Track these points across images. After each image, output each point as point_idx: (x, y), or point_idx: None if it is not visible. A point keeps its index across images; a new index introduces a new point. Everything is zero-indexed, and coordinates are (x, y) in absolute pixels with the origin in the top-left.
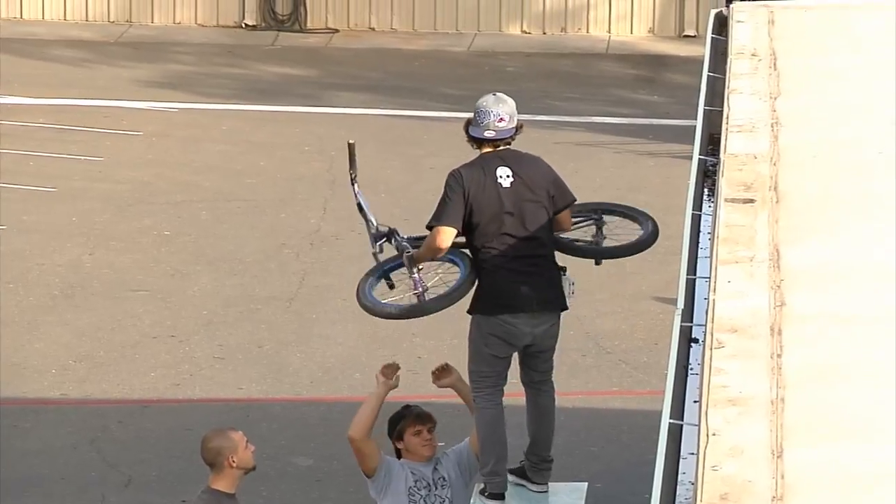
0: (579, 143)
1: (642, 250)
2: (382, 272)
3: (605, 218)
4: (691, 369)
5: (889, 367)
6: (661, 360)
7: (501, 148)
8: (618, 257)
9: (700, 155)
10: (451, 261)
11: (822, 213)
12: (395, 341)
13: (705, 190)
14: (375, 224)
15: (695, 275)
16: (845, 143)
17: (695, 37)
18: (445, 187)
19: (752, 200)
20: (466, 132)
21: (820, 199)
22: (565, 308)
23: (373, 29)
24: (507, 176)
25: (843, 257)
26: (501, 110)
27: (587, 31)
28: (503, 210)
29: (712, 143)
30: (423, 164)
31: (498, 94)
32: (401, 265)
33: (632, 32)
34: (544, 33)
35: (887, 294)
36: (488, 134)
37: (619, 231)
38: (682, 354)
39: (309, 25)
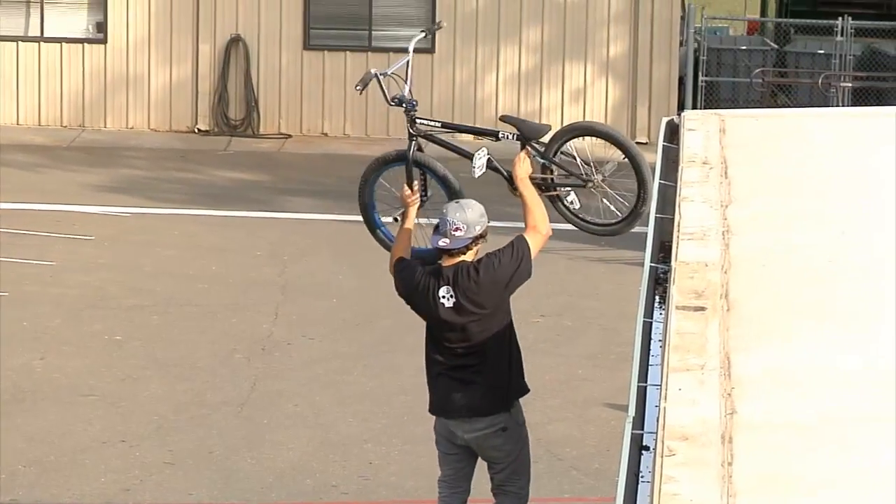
0: None
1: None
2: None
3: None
4: (642, 477)
5: (839, 476)
6: (613, 466)
7: (453, 262)
8: (622, 232)
9: (651, 262)
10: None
11: (774, 321)
12: (347, 447)
13: (656, 297)
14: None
15: (646, 382)
16: (796, 251)
17: (646, 143)
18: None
19: (703, 308)
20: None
21: (771, 308)
22: (502, 411)
23: (325, 134)
24: (451, 297)
25: (794, 366)
26: (458, 218)
27: None
28: (447, 327)
29: (663, 251)
30: (375, 269)
31: (463, 200)
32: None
33: (584, 139)
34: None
35: (838, 403)
36: (441, 243)
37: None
38: (633, 462)
39: (262, 130)
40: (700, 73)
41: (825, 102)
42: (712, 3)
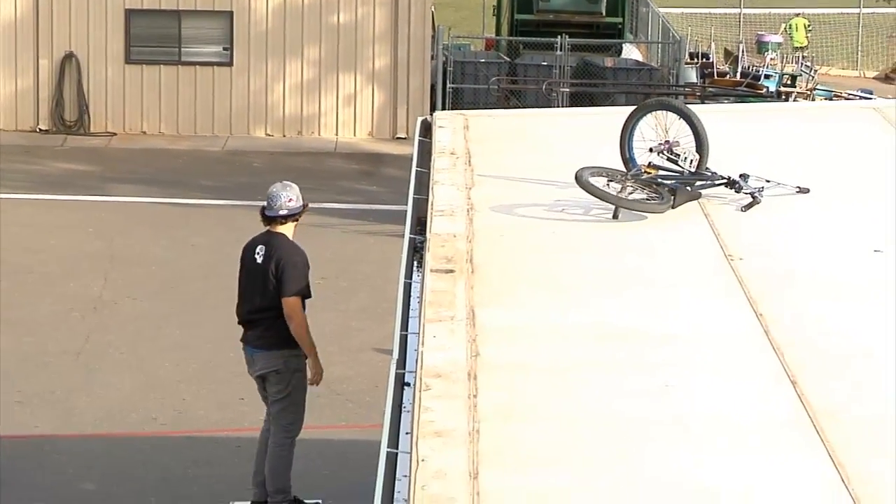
0: (313, 224)
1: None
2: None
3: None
4: (405, 408)
5: (564, 408)
6: (381, 399)
7: (275, 230)
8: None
9: (410, 234)
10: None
11: (509, 281)
12: (164, 387)
13: (415, 262)
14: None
15: (407, 331)
16: (527, 225)
17: (406, 138)
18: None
19: (452, 271)
20: (263, 215)
21: (507, 270)
22: (270, 349)
23: (144, 132)
24: (260, 254)
25: (526, 318)
26: (291, 193)
27: (319, 134)
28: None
29: (420, 225)
30: (185, 243)
31: (284, 182)
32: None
33: (355, 135)
34: (284, 136)
35: (562, 349)
36: (282, 212)
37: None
38: (397, 395)
39: (92, 129)
40: (448, 82)
41: (548, 104)
42: (457, 24)
